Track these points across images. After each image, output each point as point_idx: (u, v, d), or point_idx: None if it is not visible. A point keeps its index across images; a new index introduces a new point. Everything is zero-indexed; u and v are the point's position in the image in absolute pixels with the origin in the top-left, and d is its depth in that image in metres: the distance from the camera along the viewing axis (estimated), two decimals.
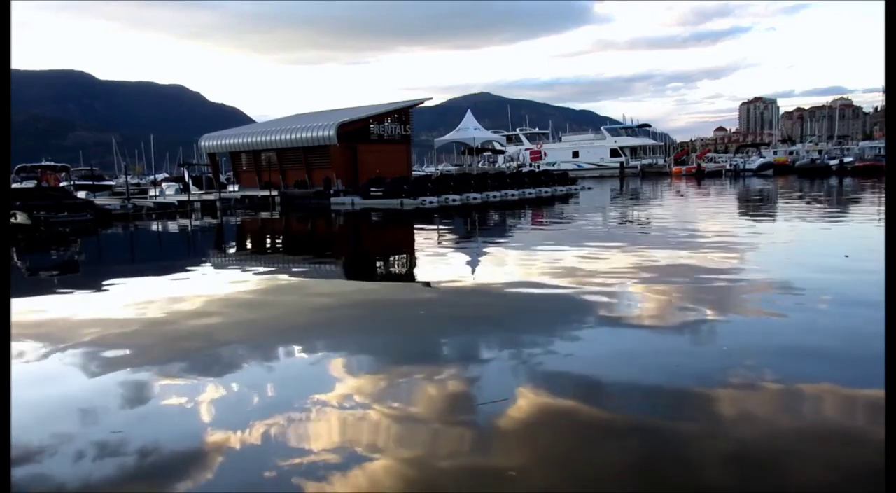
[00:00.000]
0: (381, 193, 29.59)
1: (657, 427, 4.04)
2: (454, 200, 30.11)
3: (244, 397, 4.82)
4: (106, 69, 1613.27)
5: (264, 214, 29.19)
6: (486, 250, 14.23)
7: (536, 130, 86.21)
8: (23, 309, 8.56)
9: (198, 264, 13.83)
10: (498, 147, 49.93)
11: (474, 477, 3.51)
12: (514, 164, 63.27)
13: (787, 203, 25.29)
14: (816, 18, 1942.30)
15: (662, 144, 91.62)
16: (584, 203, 29.51)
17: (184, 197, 33.89)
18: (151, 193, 37.03)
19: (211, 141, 41.71)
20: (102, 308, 8.57)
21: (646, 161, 72.03)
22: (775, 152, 72.31)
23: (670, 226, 17.42)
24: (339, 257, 15.29)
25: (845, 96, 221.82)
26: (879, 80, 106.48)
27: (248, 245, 18.50)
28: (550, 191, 36.52)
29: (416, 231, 20.08)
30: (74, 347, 6.48)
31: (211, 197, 33.80)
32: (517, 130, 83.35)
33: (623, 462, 3.62)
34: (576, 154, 71.70)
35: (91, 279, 11.51)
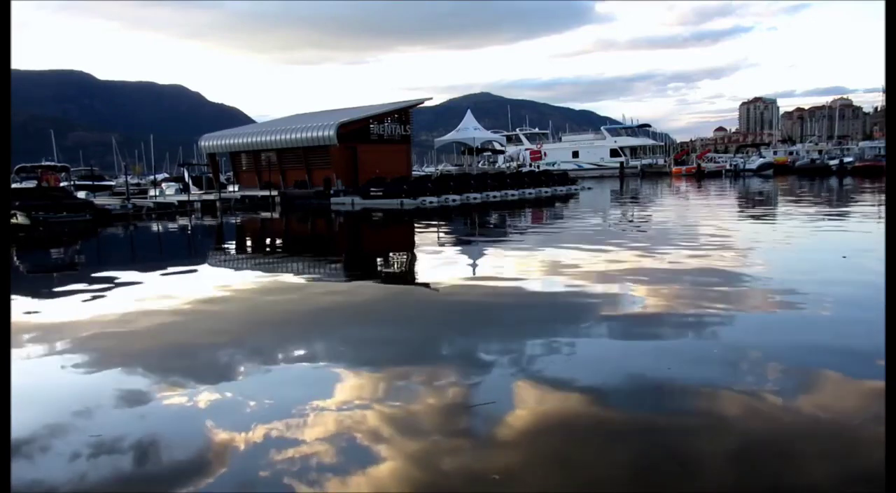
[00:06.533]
0: (381, 194, 29.59)
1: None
2: (454, 201, 30.10)
3: (246, 390, 4.84)
4: (106, 69, 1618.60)
5: (264, 215, 29.18)
6: (485, 250, 14.22)
7: (536, 130, 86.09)
8: (17, 309, 8.56)
9: (196, 264, 13.82)
10: (498, 147, 49.90)
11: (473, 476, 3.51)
12: (514, 164, 63.19)
13: (786, 204, 25.28)
14: (817, 18, 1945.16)
15: (662, 144, 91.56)
16: (583, 203, 29.50)
17: (184, 197, 33.88)
18: (151, 193, 37.01)
19: (211, 141, 41.71)
20: (97, 308, 8.57)
21: (646, 161, 71.95)
22: (775, 152, 72.22)
23: (669, 226, 17.42)
24: (338, 257, 15.27)
25: (845, 96, 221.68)
26: (879, 80, 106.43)
27: (248, 245, 18.49)
28: (550, 191, 36.50)
29: (416, 231, 20.06)
30: (71, 345, 6.49)
31: (211, 197, 33.79)
32: (517, 130, 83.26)
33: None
34: (576, 154, 71.64)
35: (86, 279, 11.49)
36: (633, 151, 72.65)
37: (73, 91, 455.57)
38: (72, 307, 8.79)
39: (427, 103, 45.14)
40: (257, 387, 5.08)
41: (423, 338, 6.68)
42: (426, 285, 10.08)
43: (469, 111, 43.49)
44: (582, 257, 11.72)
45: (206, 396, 4.90)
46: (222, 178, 44.07)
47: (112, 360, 5.99)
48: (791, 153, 69.94)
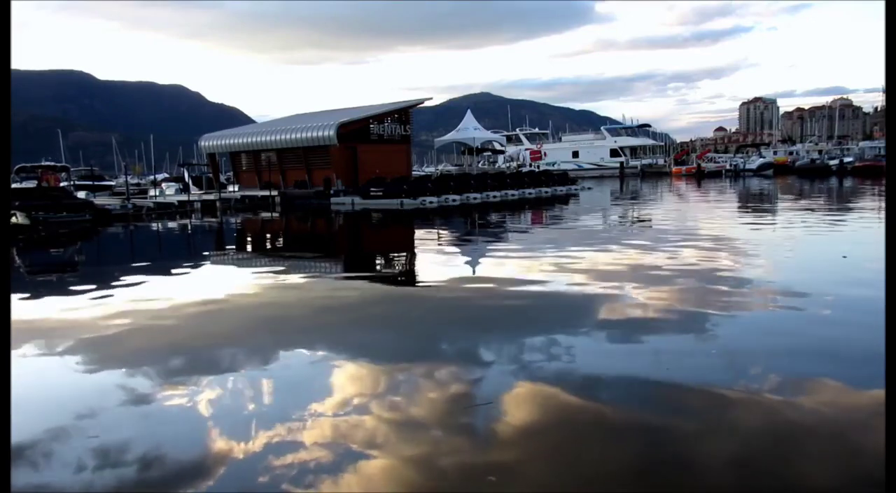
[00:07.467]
0: (381, 194, 29.59)
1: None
2: (454, 200, 30.11)
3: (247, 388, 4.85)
4: (106, 69, 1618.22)
5: (264, 215, 29.19)
6: (484, 250, 14.22)
7: (536, 130, 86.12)
8: (25, 308, 8.57)
9: (195, 264, 13.83)
10: (498, 147, 49.95)
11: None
12: (514, 164, 63.21)
13: (786, 204, 25.29)
14: (817, 18, 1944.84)
15: (662, 144, 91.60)
16: (583, 203, 29.50)
17: (184, 197, 33.89)
18: (151, 193, 37.02)
19: (211, 141, 41.72)
20: (94, 309, 8.57)
21: (646, 161, 71.97)
22: (775, 152, 72.21)
23: (669, 227, 17.43)
24: (338, 257, 15.28)
25: (845, 96, 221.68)
26: (879, 81, 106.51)
27: (248, 245, 18.49)
28: (550, 191, 36.50)
29: (415, 231, 20.07)
30: (70, 345, 6.49)
31: (211, 197, 33.80)
32: (517, 130, 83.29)
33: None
34: (576, 154, 71.66)
35: (84, 280, 11.50)
36: (633, 151, 72.67)
37: (73, 91, 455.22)
38: (75, 307, 8.79)
39: (427, 103, 45.21)
40: (261, 371, 5.11)
41: (423, 334, 6.69)
42: (426, 283, 10.08)
43: (469, 111, 43.53)
44: (583, 256, 11.71)
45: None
46: (222, 178, 44.07)
47: (115, 355, 6.00)
48: (791, 153, 69.90)
